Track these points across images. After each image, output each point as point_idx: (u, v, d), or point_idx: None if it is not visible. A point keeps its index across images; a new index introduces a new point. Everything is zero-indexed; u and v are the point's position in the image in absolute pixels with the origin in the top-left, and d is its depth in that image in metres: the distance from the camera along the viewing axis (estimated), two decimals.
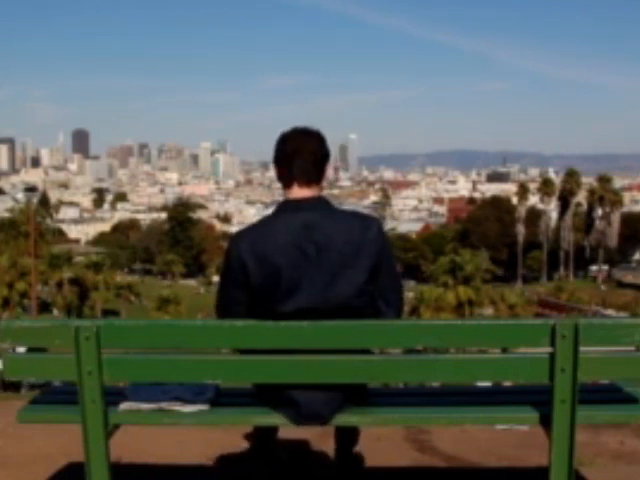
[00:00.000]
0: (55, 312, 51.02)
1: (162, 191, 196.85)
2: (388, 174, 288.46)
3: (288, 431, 2.95)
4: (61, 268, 53.41)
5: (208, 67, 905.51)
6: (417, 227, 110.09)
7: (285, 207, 2.69)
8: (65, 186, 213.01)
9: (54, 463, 3.60)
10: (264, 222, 2.70)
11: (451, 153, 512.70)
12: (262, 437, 3.00)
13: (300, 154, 2.68)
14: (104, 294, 54.35)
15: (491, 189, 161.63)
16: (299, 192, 2.69)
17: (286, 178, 2.71)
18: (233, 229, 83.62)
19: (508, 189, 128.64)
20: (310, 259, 2.58)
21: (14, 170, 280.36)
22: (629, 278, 70.57)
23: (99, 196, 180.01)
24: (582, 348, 2.42)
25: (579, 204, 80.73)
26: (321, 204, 2.68)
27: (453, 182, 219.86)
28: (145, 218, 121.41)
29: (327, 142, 2.77)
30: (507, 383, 3.01)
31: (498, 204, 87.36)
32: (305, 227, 2.60)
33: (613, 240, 72.92)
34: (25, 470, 3.59)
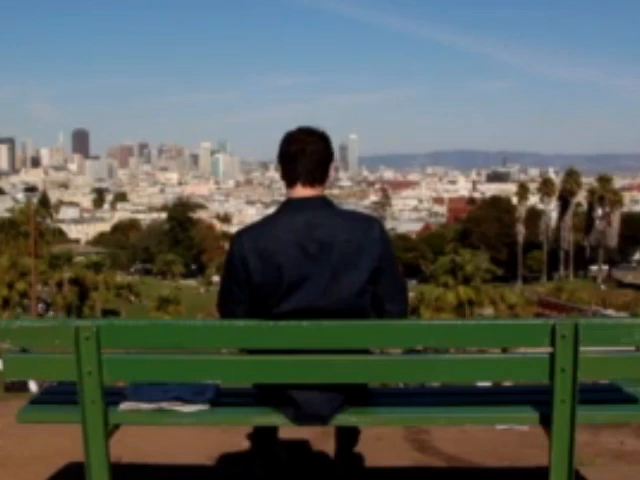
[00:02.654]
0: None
1: (162, 191, 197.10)
2: (388, 174, 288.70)
3: (288, 431, 2.95)
4: (61, 268, 53.31)
5: (208, 67, 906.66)
6: (417, 227, 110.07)
7: (288, 206, 2.69)
8: (65, 186, 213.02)
9: (54, 463, 3.60)
10: (267, 220, 2.70)
11: (451, 153, 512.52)
12: (262, 437, 3.00)
13: (304, 154, 2.67)
14: (104, 294, 54.33)
15: (491, 189, 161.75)
16: (302, 191, 2.69)
17: (290, 177, 2.71)
18: (233, 229, 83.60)
19: (508, 189, 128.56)
20: (312, 258, 2.58)
21: (14, 170, 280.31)
22: (629, 278, 70.47)
23: (99, 196, 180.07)
24: (582, 348, 2.42)
25: (579, 204, 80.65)
26: (324, 204, 2.68)
27: (453, 182, 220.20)
28: (145, 218, 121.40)
29: (332, 143, 2.77)
30: (507, 383, 3.01)
31: (498, 204, 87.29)
32: (308, 226, 2.60)
33: (613, 240, 72.85)
34: (25, 470, 3.59)
